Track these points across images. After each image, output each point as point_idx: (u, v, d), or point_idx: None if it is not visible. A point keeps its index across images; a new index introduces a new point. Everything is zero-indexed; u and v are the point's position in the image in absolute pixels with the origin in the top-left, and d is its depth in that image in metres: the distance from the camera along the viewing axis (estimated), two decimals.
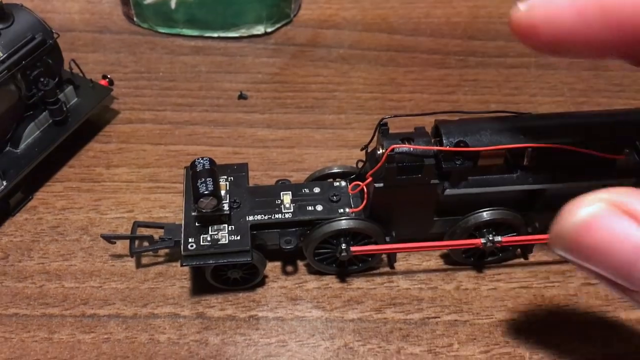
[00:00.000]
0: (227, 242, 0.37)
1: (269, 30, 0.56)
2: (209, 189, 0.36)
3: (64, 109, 0.44)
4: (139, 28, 0.57)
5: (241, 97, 0.51)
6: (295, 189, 0.39)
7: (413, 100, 0.51)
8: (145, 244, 0.40)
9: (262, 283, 0.40)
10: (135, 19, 0.56)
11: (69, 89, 0.45)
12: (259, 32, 0.56)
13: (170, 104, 0.50)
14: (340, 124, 0.49)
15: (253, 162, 0.46)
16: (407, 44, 0.56)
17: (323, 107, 0.50)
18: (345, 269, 0.40)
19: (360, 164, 0.39)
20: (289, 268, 0.41)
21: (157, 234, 0.40)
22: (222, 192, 0.38)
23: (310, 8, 0.59)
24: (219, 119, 0.49)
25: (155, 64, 0.54)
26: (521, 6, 0.23)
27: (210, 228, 0.37)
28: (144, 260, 0.41)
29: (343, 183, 0.40)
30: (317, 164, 0.46)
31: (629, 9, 0.21)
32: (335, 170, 0.41)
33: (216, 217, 0.37)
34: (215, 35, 0.56)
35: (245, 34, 0.56)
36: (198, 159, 0.37)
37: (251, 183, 0.42)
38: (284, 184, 0.41)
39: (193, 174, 0.37)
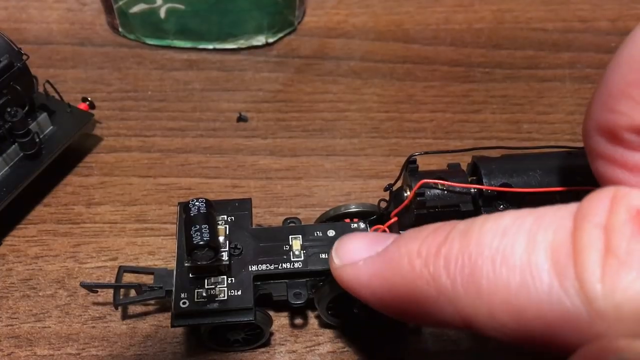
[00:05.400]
0: (226, 297, 0.31)
1: (270, 40, 0.50)
2: (205, 239, 0.30)
3: (37, 140, 0.38)
4: (124, 39, 0.50)
5: (240, 119, 0.45)
6: (306, 231, 0.34)
7: (435, 121, 0.45)
8: (133, 293, 0.35)
9: (267, 343, 0.34)
10: (120, 29, 0.50)
11: (43, 116, 0.39)
12: (259, 43, 0.50)
13: (160, 128, 0.44)
14: (353, 150, 0.43)
15: (255, 197, 0.40)
16: (426, 54, 0.50)
17: (333, 129, 0.45)
18: (365, 323, 0.34)
19: (383, 204, 0.34)
20: (298, 321, 0.35)
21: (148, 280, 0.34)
22: (221, 238, 0.32)
23: (316, 15, 0.53)
24: (216, 145, 0.43)
25: (143, 81, 0.48)
26: (335, 259, 0.25)
27: (206, 281, 0.31)
28: (130, 316, 0.35)
29: (362, 225, 0.34)
30: (328, 198, 0.40)
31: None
32: (353, 209, 0.35)
33: (213, 267, 0.31)
34: (211, 47, 0.50)
35: (244, 45, 0.50)
36: (192, 200, 0.31)
37: (253, 222, 0.36)
38: (293, 225, 0.35)
39: (186, 219, 0.31)
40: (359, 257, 0.24)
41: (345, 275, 0.24)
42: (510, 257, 0.18)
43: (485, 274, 0.18)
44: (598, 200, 0.18)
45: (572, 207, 0.19)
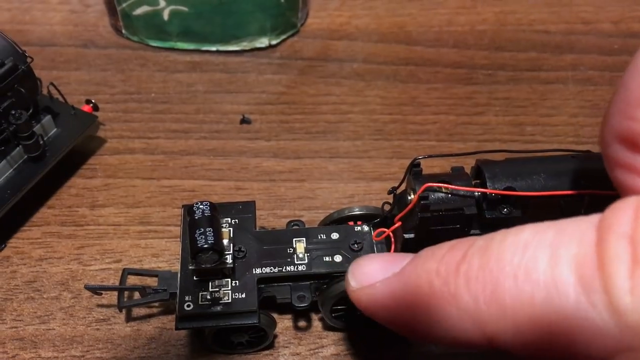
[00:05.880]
0: (230, 300, 0.31)
1: (273, 42, 0.50)
2: (209, 242, 0.30)
3: (41, 142, 0.38)
4: (128, 41, 0.51)
5: (244, 121, 0.45)
6: (310, 234, 0.34)
7: (438, 123, 0.45)
8: (137, 295, 0.35)
9: (271, 345, 0.34)
10: (123, 31, 0.50)
11: (47, 118, 0.40)
12: (262, 45, 0.50)
13: (163, 130, 0.45)
14: (357, 152, 0.43)
15: (258, 200, 0.40)
16: (429, 56, 0.50)
17: (336, 132, 0.45)
18: (369, 325, 0.34)
19: (387, 206, 0.34)
20: (302, 323, 0.35)
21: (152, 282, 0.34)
22: (225, 241, 0.32)
23: (319, 16, 0.53)
24: (219, 148, 0.44)
25: (146, 83, 0.48)
26: (352, 282, 0.25)
27: (210, 283, 0.32)
28: (134, 318, 0.35)
29: (365, 228, 0.34)
30: (332, 200, 0.40)
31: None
32: (357, 212, 0.35)
33: (218, 270, 0.32)
34: (214, 49, 0.50)
35: (247, 47, 0.50)
36: (196, 203, 0.31)
37: (257, 225, 0.37)
38: (296, 229, 0.35)
39: (191, 222, 0.31)
40: (375, 279, 0.24)
41: (364, 297, 0.24)
42: (534, 273, 0.18)
43: (508, 290, 0.18)
44: (621, 210, 0.18)
45: (594, 218, 0.18)
